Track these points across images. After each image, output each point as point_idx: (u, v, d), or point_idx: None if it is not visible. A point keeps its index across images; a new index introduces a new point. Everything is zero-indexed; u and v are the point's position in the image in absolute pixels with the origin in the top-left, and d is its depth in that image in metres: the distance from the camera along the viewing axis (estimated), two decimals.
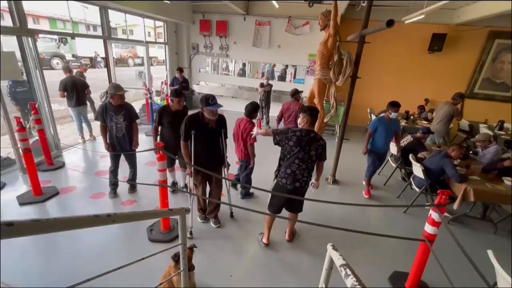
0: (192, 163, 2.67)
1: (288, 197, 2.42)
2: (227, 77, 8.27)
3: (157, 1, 5.69)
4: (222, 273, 2.42)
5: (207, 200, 3.02)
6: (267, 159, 3.74)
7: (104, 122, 3.17)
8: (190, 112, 2.91)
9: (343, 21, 6.24)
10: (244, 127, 3.17)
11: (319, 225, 1.60)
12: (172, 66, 7.80)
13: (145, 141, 5.42)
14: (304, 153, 2.32)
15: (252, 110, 3.22)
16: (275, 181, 2.57)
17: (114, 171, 3.42)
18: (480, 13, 5.27)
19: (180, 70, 6.32)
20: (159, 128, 3.30)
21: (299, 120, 2.43)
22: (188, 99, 7.70)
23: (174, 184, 3.75)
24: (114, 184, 3.46)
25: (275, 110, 7.31)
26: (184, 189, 3.65)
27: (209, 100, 2.49)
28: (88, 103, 5.25)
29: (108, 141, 3.26)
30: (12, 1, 3.53)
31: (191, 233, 2.83)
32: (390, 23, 2.47)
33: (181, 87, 6.18)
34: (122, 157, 3.43)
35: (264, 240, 2.76)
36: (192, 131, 2.61)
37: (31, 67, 3.95)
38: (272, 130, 2.49)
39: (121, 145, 3.29)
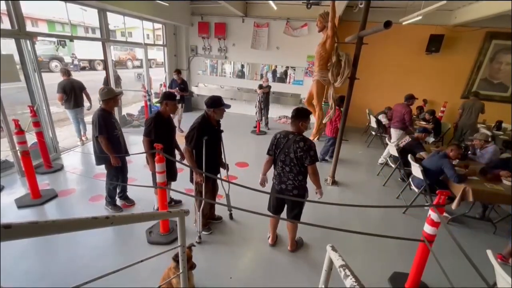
0: (195, 170, 2.57)
1: (278, 196, 2.46)
2: (226, 78, 8.27)
3: (155, 1, 5.70)
4: (222, 275, 2.41)
5: (210, 207, 2.96)
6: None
7: (107, 133, 2.76)
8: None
9: (341, 23, 6.26)
10: (337, 114, 4.69)
11: (319, 226, 1.59)
12: (171, 68, 7.80)
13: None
14: (284, 155, 2.33)
15: (340, 101, 4.47)
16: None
17: (116, 186, 3.08)
18: (477, 14, 5.31)
19: (178, 72, 6.33)
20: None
21: None
22: (187, 101, 7.71)
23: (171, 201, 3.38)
24: (113, 198, 3.18)
25: (274, 111, 7.34)
26: (172, 203, 3.35)
27: (222, 100, 2.50)
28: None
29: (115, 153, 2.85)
30: (10, 2, 3.52)
31: (199, 237, 2.75)
32: (387, 24, 2.48)
33: (180, 89, 6.18)
34: None
35: (269, 241, 2.81)
36: (205, 137, 2.48)
37: (29, 69, 3.94)
38: (267, 157, 2.51)
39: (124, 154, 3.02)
